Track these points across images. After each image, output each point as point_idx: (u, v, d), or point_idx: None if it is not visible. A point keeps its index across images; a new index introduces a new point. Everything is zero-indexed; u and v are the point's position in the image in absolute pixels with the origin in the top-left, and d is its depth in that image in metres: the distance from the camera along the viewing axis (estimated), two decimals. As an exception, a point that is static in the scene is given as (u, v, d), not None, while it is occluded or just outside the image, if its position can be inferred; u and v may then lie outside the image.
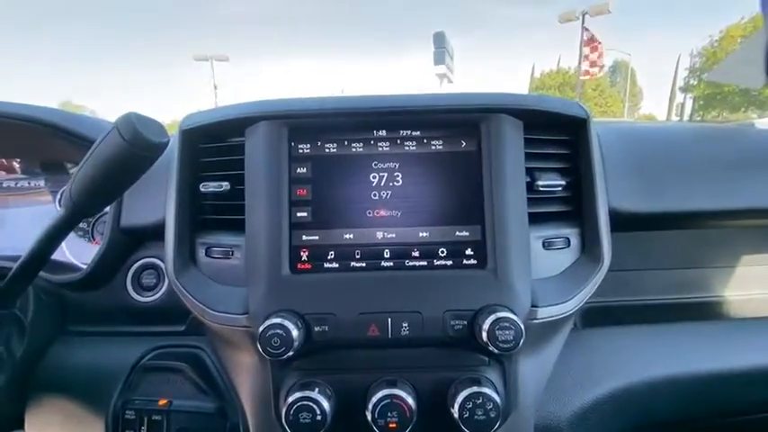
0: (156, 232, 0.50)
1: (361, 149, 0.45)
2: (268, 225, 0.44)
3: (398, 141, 0.45)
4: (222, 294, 0.45)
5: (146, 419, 0.47)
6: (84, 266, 0.53)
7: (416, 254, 0.44)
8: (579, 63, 15.77)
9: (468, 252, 0.44)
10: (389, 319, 0.41)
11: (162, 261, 0.54)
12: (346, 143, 0.45)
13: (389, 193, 0.45)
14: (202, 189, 0.48)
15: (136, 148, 0.35)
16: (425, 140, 0.45)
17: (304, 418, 0.39)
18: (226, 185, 0.47)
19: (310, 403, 0.39)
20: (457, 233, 0.44)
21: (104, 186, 0.39)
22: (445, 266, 0.44)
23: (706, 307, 0.63)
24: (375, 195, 0.45)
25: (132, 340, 0.53)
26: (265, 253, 0.43)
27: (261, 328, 0.39)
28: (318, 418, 0.39)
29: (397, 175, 0.45)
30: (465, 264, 0.44)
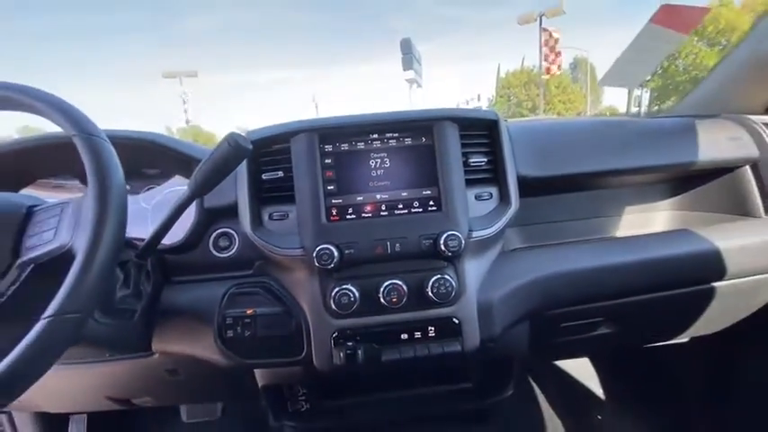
0: (227, 210, 0.78)
1: (362, 146, 0.75)
2: (311, 194, 0.73)
3: (385, 140, 0.76)
4: (282, 240, 0.74)
5: (240, 322, 0.74)
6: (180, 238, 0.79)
7: (401, 206, 0.74)
8: (540, 63, 16.72)
9: (431, 203, 0.74)
10: (388, 243, 0.71)
11: (232, 229, 0.82)
12: (353, 143, 0.75)
13: (382, 171, 0.75)
14: (264, 177, 0.77)
15: (238, 152, 0.63)
16: (401, 138, 0.76)
17: (344, 300, 0.68)
18: (280, 173, 0.76)
19: (347, 291, 0.68)
20: (423, 192, 0.75)
21: (214, 177, 0.66)
22: (418, 212, 0.74)
23: None
24: (373, 173, 0.75)
25: (218, 282, 0.80)
26: (310, 211, 0.72)
27: (315, 252, 0.68)
28: (351, 299, 0.68)
29: (386, 160, 0.75)
30: (429, 210, 0.74)
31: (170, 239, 0.78)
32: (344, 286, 0.69)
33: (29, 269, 0.51)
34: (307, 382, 0.92)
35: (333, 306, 0.69)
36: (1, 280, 0.50)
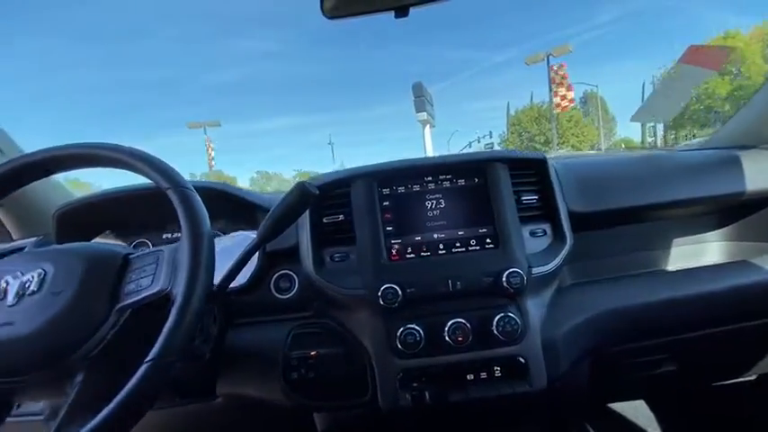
0: (287, 252, 0.82)
1: (418, 188, 0.79)
2: (371, 235, 0.76)
3: (439, 182, 0.79)
4: (344, 280, 0.76)
5: (305, 364, 0.75)
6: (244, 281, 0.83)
7: (458, 244, 0.76)
8: (550, 100, 17.10)
9: (488, 241, 0.76)
10: (449, 281, 0.72)
11: (292, 271, 0.85)
12: (409, 186, 0.79)
13: (438, 211, 0.78)
14: (324, 220, 0.81)
15: (307, 198, 0.67)
16: (455, 180, 0.80)
17: (409, 339, 0.69)
18: (341, 217, 0.80)
19: (412, 330, 0.69)
20: (479, 230, 0.77)
21: (284, 222, 0.70)
22: (475, 250, 0.76)
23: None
24: (430, 214, 0.78)
25: (279, 324, 0.82)
26: (371, 251, 0.75)
27: (379, 291, 0.70)
28: (417, 338, 0.69)
29: (441, 201, 0.79)
30: (486, 248, 0.76)
31: (234, 282, 0.81)
32: (409, 326, 0.70)
33: (127, 314, 0.54)
34: (368, 426, 0.91)
35: (399, 346, 0.70)
36: (101, 326, 0.53)
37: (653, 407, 1.41)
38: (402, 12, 0.72)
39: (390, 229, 0.77)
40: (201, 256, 0.53)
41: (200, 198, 0.59)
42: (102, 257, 0.57)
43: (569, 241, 0.78)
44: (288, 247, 0.82)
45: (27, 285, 0.52)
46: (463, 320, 0.71)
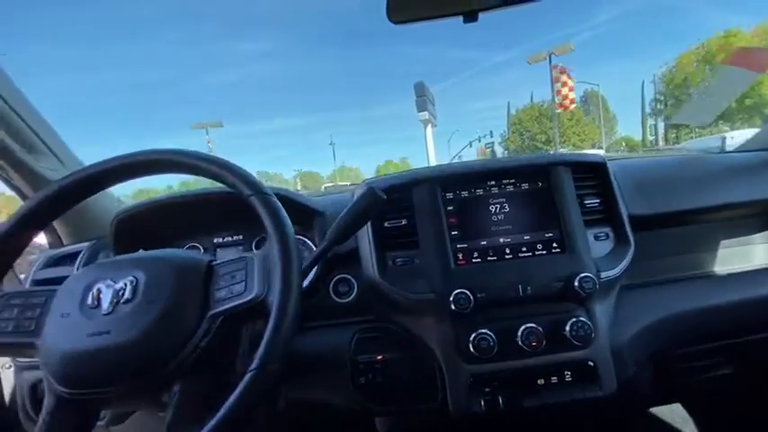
0: (345, 257, 0.81)
1: (481, 192, 0.79)
2: (437, 240, 0.76)
3: (502, 186, 0.79)
4: (409, 285, 0.76)
5: (372, 368, 0.75)
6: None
7: (524, 249, 0.76)
8: (552, 99, 17.09)
9: (554, 245, 0.76)
10: (519, 286, 0.72)
11: (350, 275, 0.85)
12: (473, 190, 0.79)
13: (502, 216, 0.78)
14: (386, 225, 0.80)
15: (376, 203, 0.67)
16: (518, 184, 0.79)
17: (483, 344, 0.69)
18: (404, 221, 0.80)
19: (485, 335, 0.69)
20: (545, 235, 0.77)
21: (353, 227, 0.69)
22: (542, 254, 0.76)
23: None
24: (494, 218, 0.78)
25: (340, 328, 0.82)
26: (438, 256, 0.75)
27: (451, 296, 0.70)
28: (491, 343, 0.69)
29: (505, 205, 0.78)
30: (553, 252, 0.76)
31: None
32: (481, 330, 0.70)
33: (219, 321, 0.54)
34: (429, 430, 0.91)
35: (471, 350, 0.69)
36: (195, 333, 0.53)
37: (689, 409, 1.41)
38: (471, 17, 0.72)
39: (456, 233, 0.77)
40: (293, 262, 0.53)
41: (279, 203, 0.59)
42: (189, 265, 0.57)
43: (632, 244, 0.78)
44: (346, 251, 0.82)
45: (120, 293, 0.52)
46: (535, 325, 0.71)
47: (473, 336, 0.70)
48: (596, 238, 0.80)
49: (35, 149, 0.89)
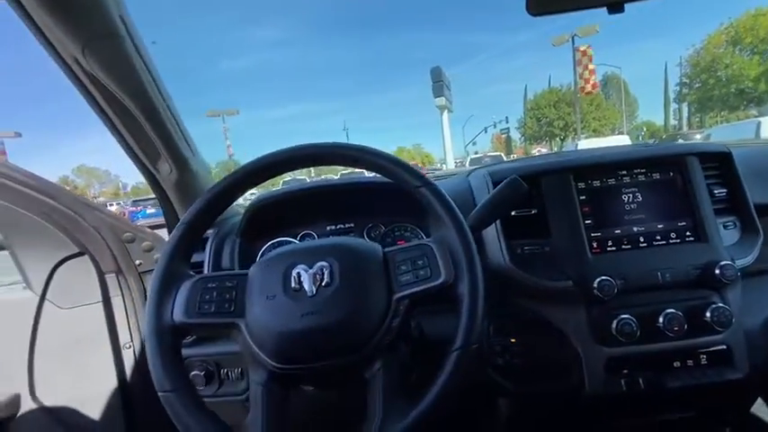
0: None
1: (613, 182, 0.81)
2: (571, 229, 0.78)
3: (634, 175, 0.81)
4: (544, 273, 0.79)
5: (508, 351, 0.79)
6: None
7: (658, 237, 0.78)
8: (575, 83, 16.61)
9: (688, 234, 0.78)
10: (659, 273, 0.75)
11: None
12: (604, 179, 0.81)
13: (635, 205, 0.80)
14: (513, 213, 0.83)
15: (520, 194, 0.70)
16: (649, 174, 0.81)
17: (626, 329, 0.72)
18: (534, 211, 0.82)
19: (628, 321, 0.72)
20: (678, 223, 0.79)
21: (493, 215, 0.72)
22: (675, 243, 0.78)
23: None
24: (627, 207, 0.80)
25: None
26: (573, 245, 0.78)
27: (595, 284, 0.72)
28: (634, 328, 0.72)
29: (638, 194, 0.80)
30: (687, 240, 0.78)
31: None
32: (623, 316, 0.73)
33: (405, 303, 0.58)
34: (554, 410, 0.95)
35: (614, 334, 0.73)
36: (386, 315, 0.56)
37: None
38: (616, 8, 0.72)
39: (589, 222, 0.79)
40: (473, 247, 0.56)
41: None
42: (370, 251, 0.60)
43: (761, 233, 0.80)
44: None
45: (318, 277, 0.56)
46: (675, 310, 0.73)
47: (615, 321, 0.73)
48: (725, 227, 0.81)
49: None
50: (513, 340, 0.80)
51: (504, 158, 14.08)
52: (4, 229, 0.88)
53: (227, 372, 0.81)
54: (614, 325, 0.73)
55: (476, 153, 26.49)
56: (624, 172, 0.81)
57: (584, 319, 0.77)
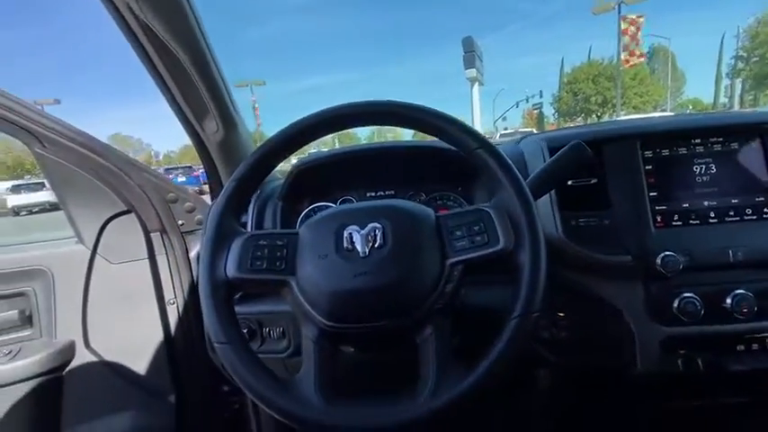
0: None
1: (684, 151, 0.74)
2: (634, 201, 0.73)
3: (709, 145, 0.74)
4: (600, 246, 0.74)
5: (554, 324, 0.76)
6: None
7: (731, 213, 0.72)
8: (618, 54, 15.46)
9: (766, 210, 0.71)
10: (730, 251, 0.69)
11: None
12: (675, 148, 0.74)
13: (708, 177, 0.73)
14: (569, 183, 0.78)
15: (582, 160, 0.65)
16: (726, 143, 0.73)
17: (690, 308, 0.67)
18: (594, 180, 0.77)
19: (692, 300, 0.67)
20: (756, 199, 0.72)
21: (553, 182, 0.67)
22: (752, 219, 0.71)
23: None
24: (698, 179, 0.73)
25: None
26: (635, 218, 0.72)
27: (658, 260, 0.67)
28: (698, 307, 0.67)
29: (711, 166, 0.73)
30: (764, 217, 0.71)
31: None
32: (687, 294, 0.68)
33: (459, 269, 0.56)
34: (592, 384, 0.92)
35: (675, 313, 0.68)
36: (440, 280, 0.54)
37: None
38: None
39: (655, 194, 0.73)
40: (535, 213, 0.52)
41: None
42: (423, 215, 0.58)
43: None
44: None
45: (370, 238, 0.54)
46: (745, 291, 0.68)
47: (677, 299, 0.68)
48: None
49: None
50: (561, 314, 0.77)
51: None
52: (58, 186, 0.91)
53: (269, 330, 0.82)
54: (676, 303, 0.68)
55: (505, 129, 25.58)
56: (698, 140, 0.74)
57: (641, 296, 0.72)
